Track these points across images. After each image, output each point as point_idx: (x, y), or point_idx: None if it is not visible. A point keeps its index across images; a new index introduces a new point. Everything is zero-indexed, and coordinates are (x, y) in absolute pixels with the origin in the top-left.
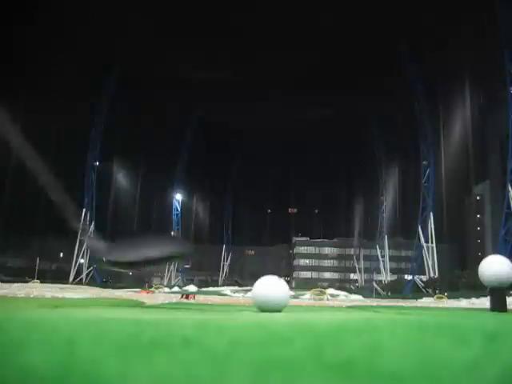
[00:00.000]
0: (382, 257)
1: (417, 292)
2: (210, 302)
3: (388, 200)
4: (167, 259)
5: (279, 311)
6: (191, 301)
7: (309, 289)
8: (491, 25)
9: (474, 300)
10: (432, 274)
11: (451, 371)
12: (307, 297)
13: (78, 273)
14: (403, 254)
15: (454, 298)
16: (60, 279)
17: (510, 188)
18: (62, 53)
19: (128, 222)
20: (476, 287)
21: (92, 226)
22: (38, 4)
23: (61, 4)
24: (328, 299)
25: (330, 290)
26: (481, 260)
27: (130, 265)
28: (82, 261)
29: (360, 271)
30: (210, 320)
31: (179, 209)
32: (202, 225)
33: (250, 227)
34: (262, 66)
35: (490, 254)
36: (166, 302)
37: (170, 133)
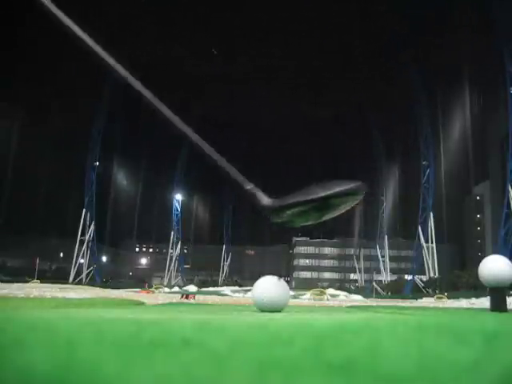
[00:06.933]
0: (382, 257)
1: (417, 292)
2: (210, 302)
3: (388, 200)
4: (340, 197)
5: (279, 311)
6: (191, 301)
7: (309, 289)
8: (491, 25)
9: (473, 300)
10: (432, 274)
11: (451, 371)
12: (307, 297)
13: (78, 273)
14: (403, 254)
15: (453, 297)
16: (60, 279)
17: (510, 188)
18: (62, 52)
19: (128, 221)
20: (476, 287)
21: (92, 226)
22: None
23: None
24: (328, 299)
25: (330, 290)
26: (481, 260)
27: (304, 204)
28: (81, 261)
29: (360, 271)
30: (210, 320)
31: (179, 209)
32: (202, 225)
33: (249, 227)
34: (263, 64)
35: (490, 253)
36: (166, 302)
37: (169, 132)
